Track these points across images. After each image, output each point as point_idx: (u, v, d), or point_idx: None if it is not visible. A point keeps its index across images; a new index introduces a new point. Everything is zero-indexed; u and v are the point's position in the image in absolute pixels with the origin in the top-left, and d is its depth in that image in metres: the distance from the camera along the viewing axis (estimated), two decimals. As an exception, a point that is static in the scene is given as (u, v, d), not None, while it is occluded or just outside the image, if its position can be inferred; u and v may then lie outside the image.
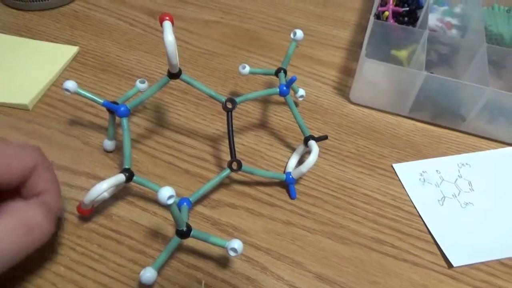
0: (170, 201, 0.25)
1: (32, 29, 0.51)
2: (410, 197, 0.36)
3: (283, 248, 0.32)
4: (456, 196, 0.36)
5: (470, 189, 0.37)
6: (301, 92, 0.43)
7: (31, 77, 0.44)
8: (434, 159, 0.39)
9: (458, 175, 0.38)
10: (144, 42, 0.51)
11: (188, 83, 0.34)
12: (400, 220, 0.35)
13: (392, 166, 0.39)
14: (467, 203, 0.36)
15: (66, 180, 0.35)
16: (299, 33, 0.38)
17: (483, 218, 0.35)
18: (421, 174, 0.38)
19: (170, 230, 0.33)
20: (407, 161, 0.39)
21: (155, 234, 0.32)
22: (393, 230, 0.34)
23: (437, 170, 0.38)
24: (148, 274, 0.27)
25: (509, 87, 0.46)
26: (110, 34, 0.52)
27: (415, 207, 0.36)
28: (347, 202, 0.36)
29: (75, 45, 0.49)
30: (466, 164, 0.39)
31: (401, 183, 0.37)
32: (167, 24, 0.31)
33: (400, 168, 0.38)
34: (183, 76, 0.33)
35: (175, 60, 0.31)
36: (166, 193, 0.24)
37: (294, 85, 0.42)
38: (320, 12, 0.59)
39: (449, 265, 0.32)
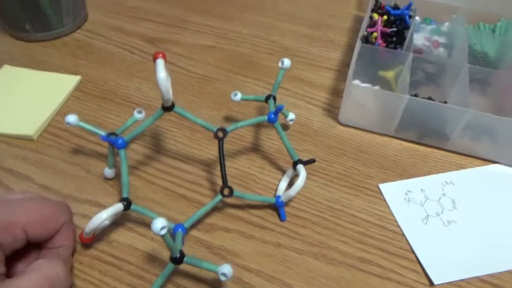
0: (163, 232, 0.27)
1: (38, 60, 0.54)
2: (395, 216, 0.38)
3: (273, 270, 0.34)
4: (439, 215, 0.38)
5: (453, 207, 0.38)
6: (291, 116, 0.45)
7: (36, 107, 0.47)
8: (419, 178, 0.41)
9: (442, 194, 0.39)
10: (143, 69, 0.53)
11: (181, 115, 0.36)
12: (385, 239, 0.36)
13: (378, 186, 0.40)
14: (449, 221, 0.37)
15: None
16: (287, 62, 0.40)
17: (464, 235, 0.36)
18: (406, 194, 0.39)
19: (166, 255, 0.35)
20: (393, 180, 0.41)
21: (153, 259, 0.34)
22: (378, 249, 0.36)
23: (421, 189, 0.40)
24: (145, 299, 0.29)
25: (493, 104, 0.48)
26: (111, 62, 0.54)
27: (399, 227, 0.37)
28: (335, 223, 0.38)
29: (78, 74, 0.52)
30: (450, 182, 0.40)
31: (386, 203, 0.39)
32: (159, 62, 0.33)
33: (386, 188, 0.40)
34: (176, 108, 0.36)
35: (168, 95, 0.33)
36: (159, 224, 0.26)
37: (284, 109, 0.44)
38: (311, 33, 0.61)
39: (431, 283, 0.33)
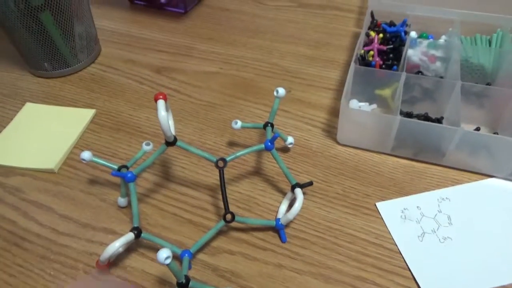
0: (167, 261, 0.30)
1: (56, 96, 0.58)
2: (392, 234, 0.39)
3: (275, 290, 0.36)
4: (435, 232, 0.39)
5: (449, 223, 0.40)
6: (290, 139, 0.47)
7: (56, 142, 0.51)
8: (415, 195, 0.42)
9: (438, 210, 0.41)
10: (152, 99, 0.57)
11: (183, 148, 0.39)
12: (381, 257, 0.38)
13: (375, 205, 0.42)
14: (445, 238, 0.38)
15: (88, 237, 0.41)
16: (281, 91, 0.42)
17: (459, 251, 0.37)
18: (402, 212, 0.41)
19: (175, 278, 0.38)
20: (391, 198, 0.43)
21: (163, 282, 0.37)
22: (375, 267, 0.37)
23: (417, 207, 0.41)
24: (155, 322, 0.32)
25: (490, 117, 0.49)
26: (122, 93, 0.58)
27: (396, 245, 0.39)
28: (333, 243, 0.39)
29: (93, 106, 0.56)
30: (446, 198, 0.42)
31: (383, 221, 0.41)
32: (160, 103, 0.36)
33: (383, 207, 0.41)
34: (178, 143, 0.39)
35: (169, 132, 0.36)
36: (163, 254, 0.29)
37: (282, 133, 0.47)
38: (311, 53, 0.63)
39: (426, 300, 0.35)
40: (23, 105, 0.56)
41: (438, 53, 0.57)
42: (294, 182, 0.40)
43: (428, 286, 0.35)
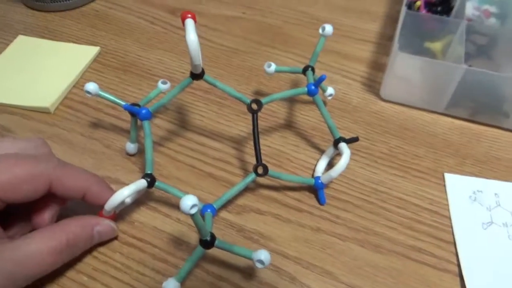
0: (193, 211, 0.23)
1: (54, 31, 0.51)
2: (451, 212, 0.33)
3: (313, 257, 0.30)
4: (507, 226, 0.32)
5: None
6: (330, 90, 0.41)
7: (52, 79, 0.43)
8: (499, 181, 0.35)
9: None
10: (165, 40, 0.50)
11: (211, 83, 0.32)
12: (438, 226, 0.32)
13: (443, 175, 0.36)
14: None
15: (89, 185, 0.34)
16: (328, 28, 0.36)
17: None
18: (474, 192, 0.34)
19: (193, 237, 0.32)
20: (445, 161, 0.37)
21: (179, 242, 0.31)
22: (432, 237, 0.32)
23: (496, 194, 0.34)
24: (171, 286, 0.26)
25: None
26: (131, 33, 0.51)
27: (452, 225, 0.33)
28: (380, 207, 0.34)
29: (96, 45, 0.48)
30: None
31: (445, 191, 0.34)
32: (189, 22, 0.29)
33: (452, 179, 0.35)
34: (206, 77, 0.32)
35: (198, 60, 0.29)
36: (188, 202, 0.23)
37: (322, 83, 0.40)
38: (345, 3, 0.56)
39: (496, 277, 0.29)
40: (15, 38, 0.49)
41: (492, 9, 0.51)
42: (338, 136, 0.34)
43: (473, 276, 0.29)
